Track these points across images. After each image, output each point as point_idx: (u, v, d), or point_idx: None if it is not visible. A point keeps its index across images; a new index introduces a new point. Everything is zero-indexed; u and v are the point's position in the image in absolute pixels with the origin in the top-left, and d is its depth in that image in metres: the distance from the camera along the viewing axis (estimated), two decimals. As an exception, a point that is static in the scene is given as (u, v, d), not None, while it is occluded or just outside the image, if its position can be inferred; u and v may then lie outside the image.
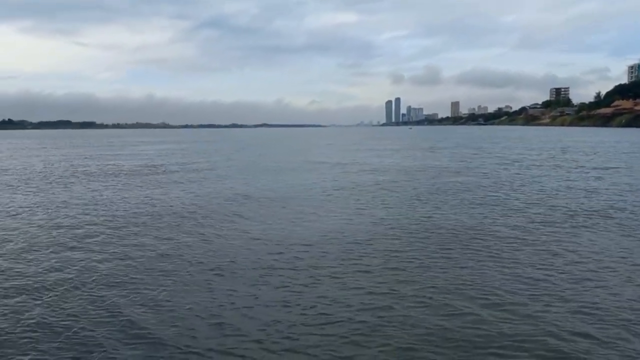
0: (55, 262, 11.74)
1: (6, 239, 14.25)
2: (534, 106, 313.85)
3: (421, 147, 67.97)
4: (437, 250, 12.42)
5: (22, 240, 14.04)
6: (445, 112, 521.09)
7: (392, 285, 9.84)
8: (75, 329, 7.99)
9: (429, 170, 33.04)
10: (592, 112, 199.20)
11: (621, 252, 12.18)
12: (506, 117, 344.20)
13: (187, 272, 10.94)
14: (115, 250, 12.81)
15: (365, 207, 18.85)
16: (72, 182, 28.48)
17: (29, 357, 7.17)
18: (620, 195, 21.01)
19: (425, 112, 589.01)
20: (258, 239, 13.90)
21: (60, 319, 8.42)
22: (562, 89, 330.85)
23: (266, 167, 37.76)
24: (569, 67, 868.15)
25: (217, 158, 49.26)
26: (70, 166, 40.57)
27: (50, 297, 9.46)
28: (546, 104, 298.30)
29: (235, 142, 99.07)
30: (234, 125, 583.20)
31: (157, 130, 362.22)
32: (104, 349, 7.35)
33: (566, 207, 18.27)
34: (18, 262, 11.79)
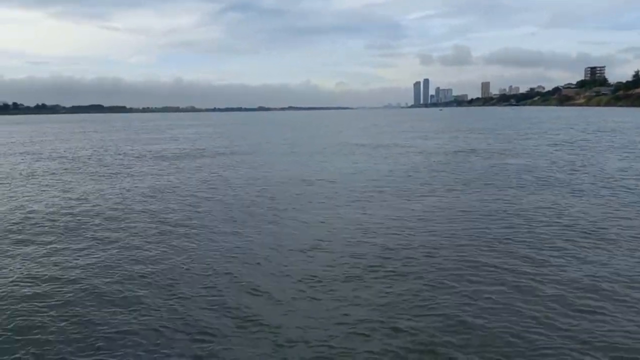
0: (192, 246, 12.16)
1: (109, 228, 14.77)
2: (567, 86, 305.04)
3: (460, 128, 67.06)
4: (524, 235, 12.38)
5: (127, 228, 14.54)
6: (474, 93, 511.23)
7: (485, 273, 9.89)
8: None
9: (479, 152, 32.67)
10: (630, 92, 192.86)
11: None
12: (538, 97, 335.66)
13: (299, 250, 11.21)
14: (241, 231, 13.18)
15: (429, 191, 18.85)
16: (133, 165, 29.24)
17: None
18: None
19: (454, 93, 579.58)
20: (352, 225, 14.08)
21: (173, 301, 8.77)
22: (598, 68, 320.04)
23: (310, 150, 37.89)
24: (604, 46, 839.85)
25: (257, 141, 49.64)
26: (122, 150, 41.54)
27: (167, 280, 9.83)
28: (581, 84, 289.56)
29: (268, 125, 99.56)
30: (261, 109, 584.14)
31: (186, 114, 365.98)
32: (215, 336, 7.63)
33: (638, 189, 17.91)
34: (149, 246, 12.25)
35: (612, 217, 13.68)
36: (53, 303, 8.43)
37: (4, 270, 10.17)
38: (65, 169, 27.71)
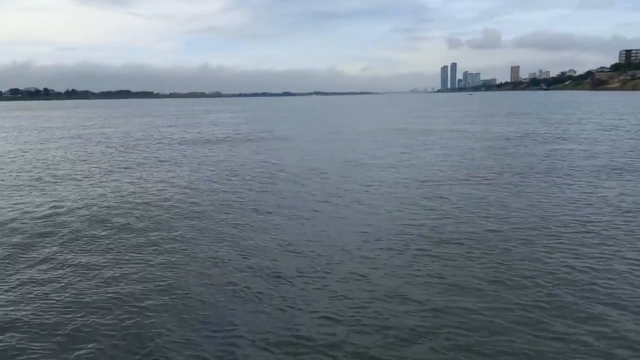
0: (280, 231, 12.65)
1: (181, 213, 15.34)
2: (600, 70, 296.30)
3: (498, 113, 66.13)
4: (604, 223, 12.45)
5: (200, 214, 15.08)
6: (503, 77, 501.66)
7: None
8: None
9: (530, 136, 32.36)
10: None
11: None
12: (570, 81, 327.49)
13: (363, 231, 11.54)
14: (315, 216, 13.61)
15: (495, 176, 18.92)
16: (197, 151, 29.99)
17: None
18: None
19: (482, 78, 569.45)
20: (428, 210, 14.35)
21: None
22: (634, 51, 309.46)
23: (351, 134, 38.02)
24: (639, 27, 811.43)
25: (294, 125, 49.91)
26: (175, 135, 42.45)
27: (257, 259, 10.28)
28: (615, 67, 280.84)
29: (299, 111, 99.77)
30: (287, 94, 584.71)
31: (214, 99, 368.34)
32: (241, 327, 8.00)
33: None
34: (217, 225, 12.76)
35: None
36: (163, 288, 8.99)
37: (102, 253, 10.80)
38: (131, 158, 28.63)
